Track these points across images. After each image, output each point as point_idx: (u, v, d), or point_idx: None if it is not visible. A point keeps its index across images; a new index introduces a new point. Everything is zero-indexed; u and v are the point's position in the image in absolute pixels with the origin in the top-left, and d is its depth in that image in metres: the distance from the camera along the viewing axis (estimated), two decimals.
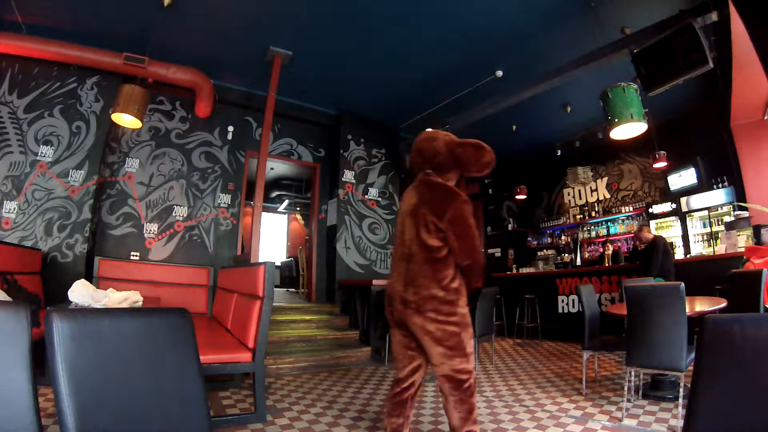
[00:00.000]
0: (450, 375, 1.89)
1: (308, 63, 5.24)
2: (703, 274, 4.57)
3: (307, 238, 9.05)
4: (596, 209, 8.31)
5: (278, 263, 11.21)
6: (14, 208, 4.39)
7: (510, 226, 9.28)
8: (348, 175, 6.53)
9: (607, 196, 8.22)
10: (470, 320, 1.99)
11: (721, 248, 5.28)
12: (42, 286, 3.96)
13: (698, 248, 6.22)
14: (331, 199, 6.63)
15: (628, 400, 2.84)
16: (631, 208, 7.64)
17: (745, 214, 5.35)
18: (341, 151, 6.54)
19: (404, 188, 2.68)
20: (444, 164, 2.03)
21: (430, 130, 2.25)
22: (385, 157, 7.01)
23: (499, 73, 5.23)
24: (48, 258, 4.40)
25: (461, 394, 1.90)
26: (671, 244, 5.63)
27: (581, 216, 8.56)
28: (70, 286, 2.50)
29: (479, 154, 2.01)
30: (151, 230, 5.24)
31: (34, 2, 4.11)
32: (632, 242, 7.39)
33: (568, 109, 6.46)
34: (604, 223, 8.13)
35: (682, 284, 2.47)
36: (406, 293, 1.94)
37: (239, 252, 5.81)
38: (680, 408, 2.55)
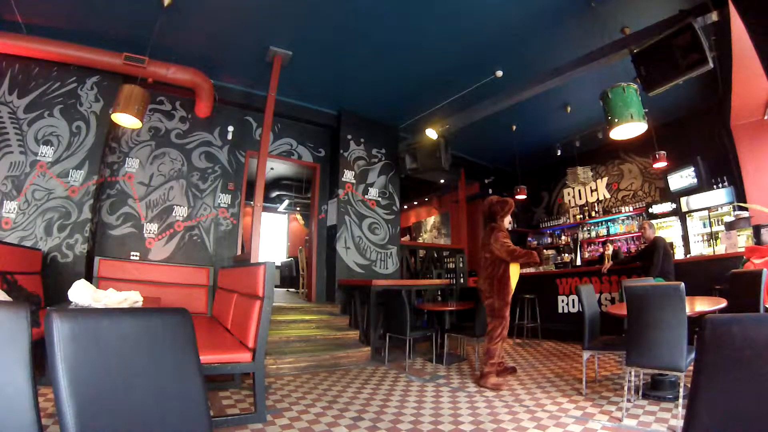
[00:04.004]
0: (488, 330, 3.71)
1: (308, 63, 5.23)
2: (703, 274, 4.56)
3: (307, 238, 9.05)
4: (596, 209, 8.31)
5: (278, 263, 11.21)
6: (14, 208, 4.39)
7: (510, 226, 9.25)
8: (348, 175, 6.52)
9: (607, 196, 8.22)
10: (511, 299, 3.73)
11: (721, 248, 5.28)
12: (42, 286, 3.96)
13: (698, 248, 6.21)
14: (331, 199, 6.63)
15: (628, 400, 2.84)
16: (631, 208, 7.65)
17: (745, 214, 5.35)
18: (341, 151, 6.54)
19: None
20: (489, 214, 3.98)
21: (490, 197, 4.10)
22: (385, 157, 7.01)
23: (499, 73, 5.23)
24: (48, 258, 4.39)
25: (489, 342, 3.67)
26: (671, 244, 5.63)
27: (581, 216, 8.56)
28: (70, 286, 2.49)
29: (501, 205, 3.92)
30: (151, 230, 5.23)
31: (34, 2, 4.11)
32: (630, 243, 7.42)
33: (568, 109, 6.46)
34: (604, 223, 8.13)
35: (682, 284, 2.48)
36: (484, 284, 3.81)
37: (239, 252, 5.81)
38: (680, 408, 2.56)
